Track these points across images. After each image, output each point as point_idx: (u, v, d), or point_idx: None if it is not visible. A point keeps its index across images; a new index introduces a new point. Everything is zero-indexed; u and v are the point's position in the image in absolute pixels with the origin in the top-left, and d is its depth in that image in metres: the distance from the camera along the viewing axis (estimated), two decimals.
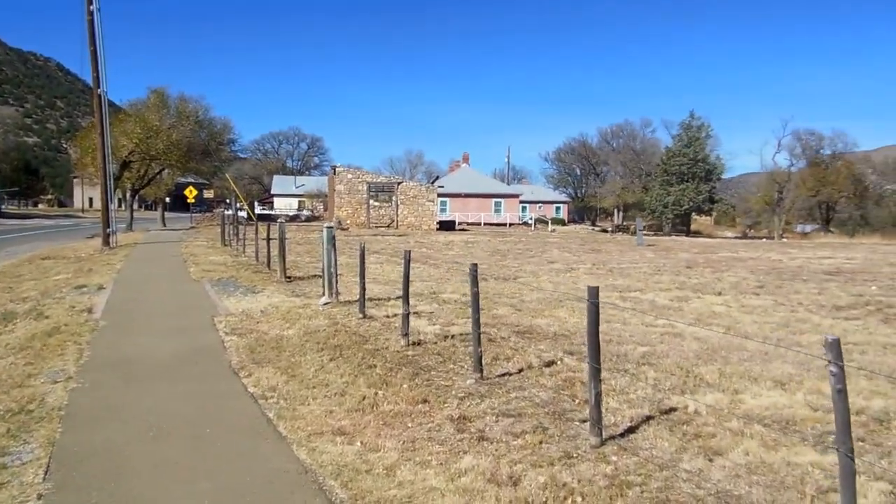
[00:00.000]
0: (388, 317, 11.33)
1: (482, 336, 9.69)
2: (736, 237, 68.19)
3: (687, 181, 62.26)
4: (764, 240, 58.55)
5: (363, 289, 11.44)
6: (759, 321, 11.45)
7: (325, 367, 8.07)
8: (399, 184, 49.26)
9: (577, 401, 6.71)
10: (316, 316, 11.47)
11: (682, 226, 68.63)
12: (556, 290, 15.01)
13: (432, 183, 64.39)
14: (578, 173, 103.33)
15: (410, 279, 9.60)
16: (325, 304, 12.50)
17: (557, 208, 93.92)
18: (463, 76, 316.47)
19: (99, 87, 25.06)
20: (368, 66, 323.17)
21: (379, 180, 50.25)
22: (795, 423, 6.07)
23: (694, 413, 6.31)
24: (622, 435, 5.76)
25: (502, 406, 6.57)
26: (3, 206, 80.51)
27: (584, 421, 5.88)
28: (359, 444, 5.60)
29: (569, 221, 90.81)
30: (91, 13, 24.35)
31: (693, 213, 66.62)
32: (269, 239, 18.89)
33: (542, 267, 20.87)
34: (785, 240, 57.05)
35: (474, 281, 7.63)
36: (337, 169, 48.44)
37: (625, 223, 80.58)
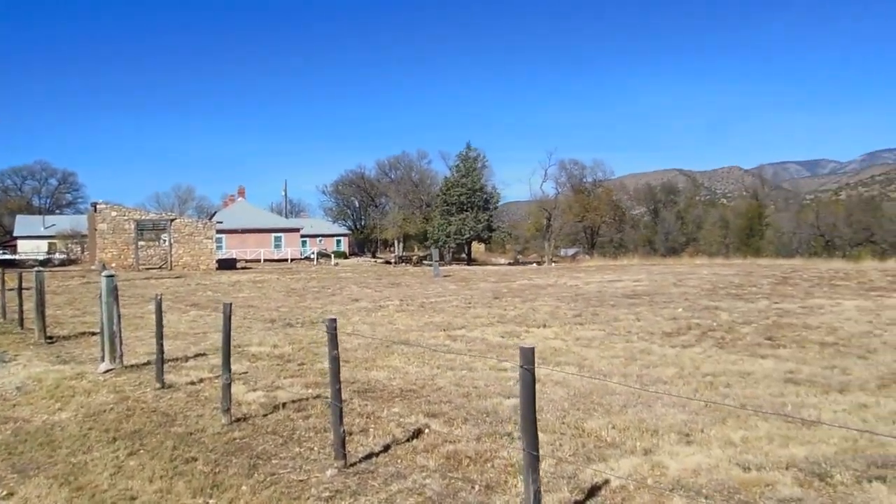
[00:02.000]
0: (192, 383, 9.22)
1: (320, 401, 8.05)
2: (509, 263, 71.17)
3: (466, 210, 63.87)
4: (534, 265, 61.44)
5: (161, 350, 9.21)
6: (603, 356, 10.85)
7: (125, 469, 5.97)
8: (172, 220, 45.06)
9: (477, 487, 5.33)
10: (97, 389, 9.04)
11: (459, 254, 70.42)
12: (375, 334, 13.62)
13: (210, 218, 60.24)
14: (357, 205, 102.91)
15: (223, 333, 7.67)
16: (106, 371, 10.03)
17: (338, 241, 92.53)
18: (234, 109, 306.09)
19: None
20: (123, 95, 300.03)
21: (149, 217, 45.68)
22: (739, 490, 5.15)
23: (621, 489, 5.19)
24: None
25: None
26: None
27: None
28: None
29: (350, 254, 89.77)
30: None
31: (473, 242, 68.49)
32: (20, 289, 15.55)
33: (349, 306, 19.33)
34: (553, 264, 60.26)
35: (333, 342, 6.03)
36: (98, 206, 43.20)
37: (406, 254, 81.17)
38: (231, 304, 7.73)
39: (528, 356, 4.27)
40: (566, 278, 28.56)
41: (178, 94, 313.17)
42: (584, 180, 75.01)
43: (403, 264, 63.77)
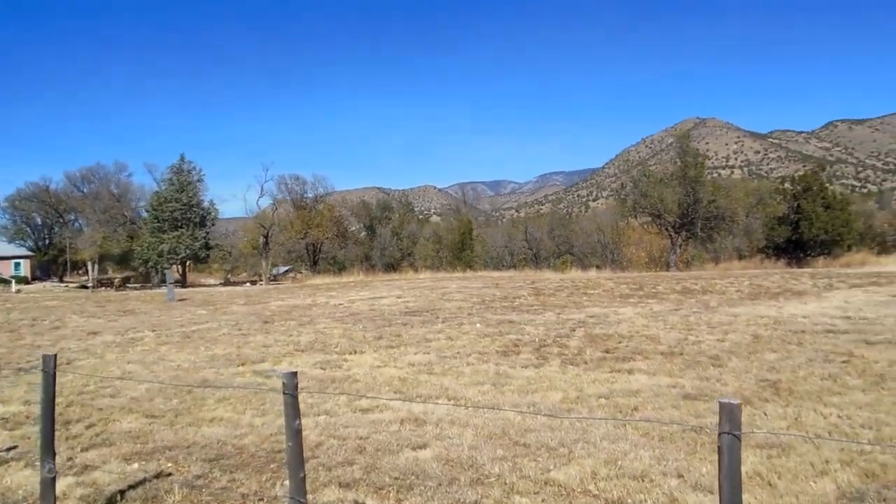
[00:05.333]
0: None
1: (172, 482, 5.81)
2: (220, 283, 67.03)
3: (182, 227, 58.64)
4: (247, 284, 58.45)
5: None
6: (462, 383, 9.68)
7: None
8: None
9: None
10: None
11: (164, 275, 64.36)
12: (157, 376, 11.04)
13: None
14: (40, 223, 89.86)
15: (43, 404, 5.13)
16: None
17: (17, 264, 79.66)
18: None
19: None
20: None
21: None
22: None
23: None
24: None
25: None
26: None
27: None
28: None
29: (33, 279, 77.93)
30: None
31: (188, 261, 63.04)
32: None
33: (90, 342, 15.84)
34: (272, 284, 57.92)
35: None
36: None
37: (105, 277, 72.58)
38: (55, 355, 5.20)
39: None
40: (322, 297, 26.91)
41: None
42: (306, 196, 73.33)
43: (104, 289, 56.66)
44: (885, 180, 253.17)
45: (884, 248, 52.32)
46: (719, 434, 2.94)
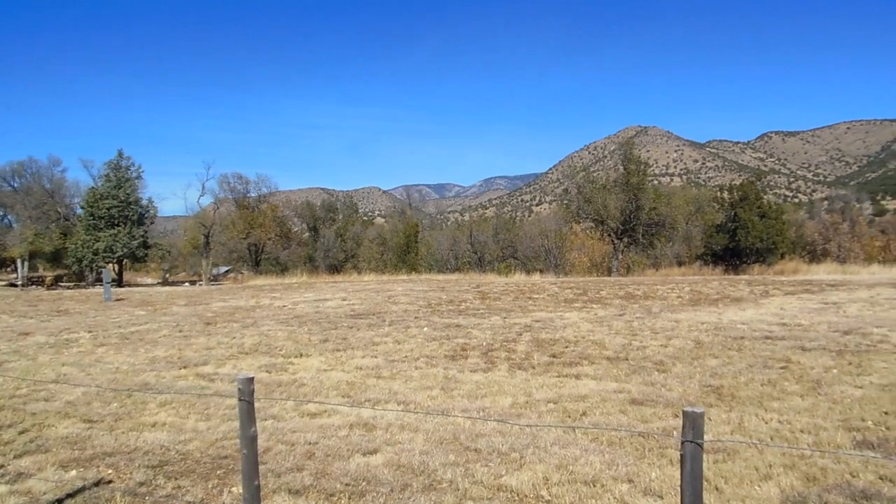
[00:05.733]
0: None
1: (113, 490, 5.63)
2: (158, 283, 65.41)
3: (119, 225, 56.92)
4: (187, 284, 57.19)
5: None
6: (411, 387, 9.63)
7: None
8: None
9: None
10: None
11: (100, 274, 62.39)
12: (95, 379, 10.68)
13: None
14: None
15: None
16: None
17: None
18: None
19: None
20: None
21: None
22: None
23: None
24: None
25: None
26: None
27: None
28: None
29: None
30: None
31: (125, 260, 61.26)
32: None
33: (21, 343, 15.24)
34: (213, 284, 56.81)
35: (247, 422, 3.95)
36: None
37: (35, 275, 70.00)
38: None
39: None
40: (265, 299, 26.47)
41: None
42: (249, 195, 72.03)
43: (34, 287, 54.60)
44: (814, 191, 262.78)
45: (814, 256, 54.17)
46: (682, 442, 2.97)
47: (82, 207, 60.66)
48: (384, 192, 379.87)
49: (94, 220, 57.46)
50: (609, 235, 51.69)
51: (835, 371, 10.12)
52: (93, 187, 60.44)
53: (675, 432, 6.82)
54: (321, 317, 19.15)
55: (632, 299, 22.58)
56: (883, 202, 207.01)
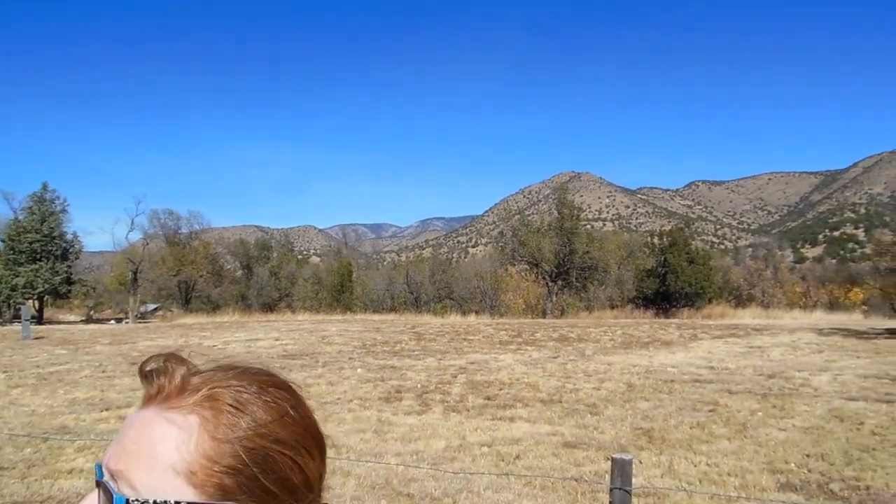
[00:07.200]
0: None
1: None
2: (82, 320, 63.06)
3: (41, 260, 54.84)
4: (112, 322, 55.27)
5: None
6: (343, 430, 9.45)
7: None
8: None
9: None
10: None
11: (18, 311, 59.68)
12: (8, 423, 10.16)
13: None
14: None
15: None
16: None
17: None
18: None
19: None
20: None
21: None
22: None
23: None
24: None
25: None
26: None
27: None
28: None
29: None
30: None
31: (46, 297, 58.90)
32: None
33: None
34: (141, 322, 55.10)
35: None
36: None
37: None
38: None
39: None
40: (194, 338, 25.76)
41: None
42: (180, 232, 70.52)
43: None
44: (739, 238, 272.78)
45: (740, 301, 56.00)
46: (611, 489, 2.98)
47: (2, 241, 58.33)
48: (320, 230, 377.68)
49: (14, 254, 55.23)
50: (543, 278, 52.41)
51: (760, 414, 10.40)
52: (14, 220, 58.29)
53: (606, 476, 6.85)
54: (252, 357, 18.69)
55: (566, 341, 22.84)
56: (802, 250, 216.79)
